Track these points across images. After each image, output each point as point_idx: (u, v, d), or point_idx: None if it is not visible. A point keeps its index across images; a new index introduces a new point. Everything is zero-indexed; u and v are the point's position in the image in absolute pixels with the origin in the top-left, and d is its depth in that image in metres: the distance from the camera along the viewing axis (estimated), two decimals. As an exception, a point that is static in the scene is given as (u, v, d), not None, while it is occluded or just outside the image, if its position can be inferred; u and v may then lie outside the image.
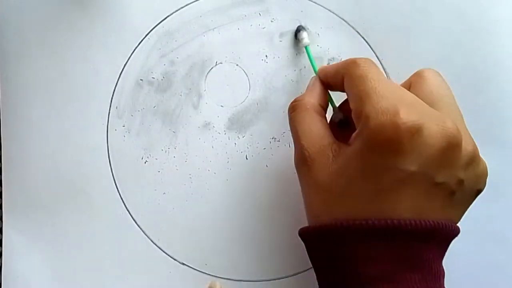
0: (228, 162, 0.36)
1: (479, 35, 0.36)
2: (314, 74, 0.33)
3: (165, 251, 0.35)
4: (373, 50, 0.36)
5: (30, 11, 0.35)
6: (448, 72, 0.36)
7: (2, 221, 0.36)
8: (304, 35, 0.35)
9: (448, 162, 0.26)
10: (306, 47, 0.35)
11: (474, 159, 0.27)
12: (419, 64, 0.36)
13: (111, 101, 0.35)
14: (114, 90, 0.35)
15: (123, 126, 0.35)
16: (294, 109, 0.30)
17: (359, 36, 0.36)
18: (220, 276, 0.35)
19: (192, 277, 0.35)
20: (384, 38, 0.36)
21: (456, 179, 0.26)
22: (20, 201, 0.35)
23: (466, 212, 0.36)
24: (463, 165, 0.27)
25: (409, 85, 0.30)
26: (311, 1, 0.36)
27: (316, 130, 0.29)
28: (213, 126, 0.36)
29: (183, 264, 0.35)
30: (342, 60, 0.31)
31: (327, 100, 0.31)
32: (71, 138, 0.35)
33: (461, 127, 0.27)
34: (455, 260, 0.36)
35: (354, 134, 0.27)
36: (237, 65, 0.36)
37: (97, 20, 0.35)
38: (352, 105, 0.27)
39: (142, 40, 0.35)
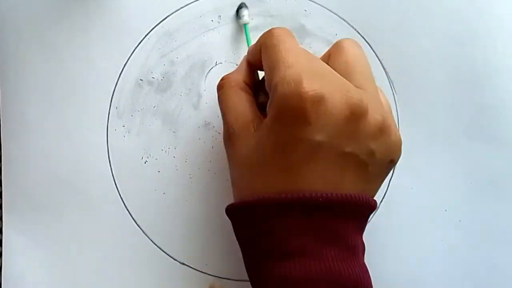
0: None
1: (479, 35, 0.36)
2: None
3: (165, 251, 0.35)
4: (373, 50, 0.36)
5: (30, 11, 0.35)
6: (448, 72, 0.36)
7: (2, 221, 0.36)
8: (244, 12, 0.35)
9: (355, 132, 0.26)
10: (244, 25, 0.35)
11: (383, 129, 0.27)
12: (419, 63, 0.36)
13: (111, 101, 0.35)
14: (114, 90, 0.35)
15: (123, 126, 0.35)
16: (220, 87, 0.30)
17: (359, 35, 0.36)
18: (220, 276, 0.35)
19: (192, 277, 0.35)
20: (384, 37, 0.36)
21: (366, 149, 0.26)
22: (20, 201, 0.35)
23: (466, 212, 0.36)
24: (372, 135, 0.26)
25: (328, 56, 0.29)
26: (312, 0, 0.36)
27: (241, 106, 0.29)
28: (213, 126, 0.36)
29: (183, 264, 0.35)
30: None
31: (254, 77, 0.31)
32: (71, 138, 0.35)
33: (371, 97, 0.27)
34: (456, 259, 0.36)
35: (267, 106, 0.27)
36: (237, 65, 0.36)
37: (97, 20, 0.35)
38: (265, 77, 0.28)
39: (142, 40, 0.35)
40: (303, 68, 0.25)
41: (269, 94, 0.27)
